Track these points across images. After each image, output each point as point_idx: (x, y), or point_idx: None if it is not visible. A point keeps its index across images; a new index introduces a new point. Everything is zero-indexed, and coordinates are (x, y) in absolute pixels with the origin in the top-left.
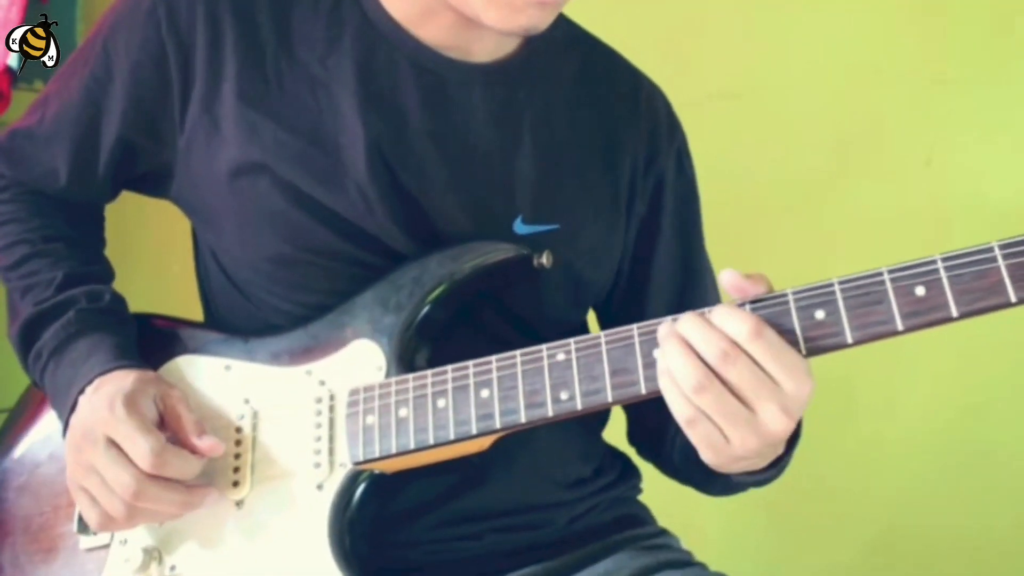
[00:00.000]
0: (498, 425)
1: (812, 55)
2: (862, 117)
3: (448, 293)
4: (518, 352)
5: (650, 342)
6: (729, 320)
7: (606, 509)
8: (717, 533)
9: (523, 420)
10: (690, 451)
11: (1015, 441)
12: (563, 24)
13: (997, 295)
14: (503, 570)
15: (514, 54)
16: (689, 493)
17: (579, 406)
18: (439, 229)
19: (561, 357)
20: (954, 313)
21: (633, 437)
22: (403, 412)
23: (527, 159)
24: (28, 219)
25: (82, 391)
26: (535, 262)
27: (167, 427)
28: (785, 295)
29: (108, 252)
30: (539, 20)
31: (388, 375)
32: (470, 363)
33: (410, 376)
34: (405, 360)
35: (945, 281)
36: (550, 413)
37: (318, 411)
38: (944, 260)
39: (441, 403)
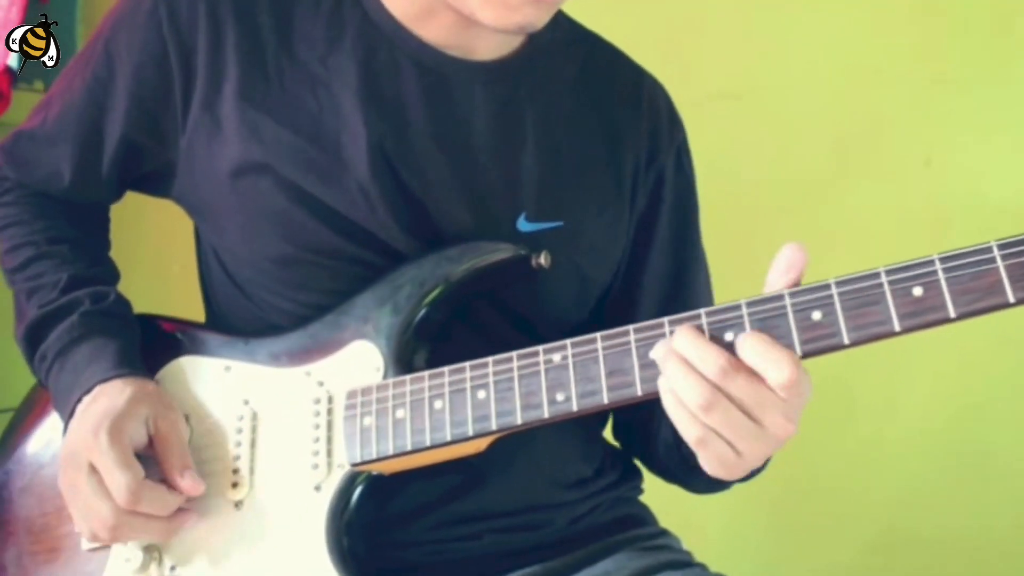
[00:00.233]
0: (494, 426)
1: (812, 55)
2: (862, 117)
3: (445, 295)
4: (515, 354)
5: (646, 344)
6: (771, 360)
7: (607, 509)
8: (717, 533)
9: (519, 422)
10: (672, 448)
11: (1015, 441)
12: (565, 23)
13: (995, 295)
14: (503, 570)
15: (516, 52)
16: (690, 494)
17: (575, 407)
18: (441, 228)
19: (557, 359)
20: (952, 314)
21: (618, 432)
22: (400, 413)
23: (530, 157)
24: (33, 221)
25: (80, 399)
26: (533, 262)
27: (154, 453)
28: (781, 296)
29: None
30: (535, 18)
31: (386, 376)
32: (467, 365)
33: (407, 378)
34: (403, 361)
35: (943, 281)
36: (546, 414)
37: (316, 412)
38: (942, 260)
39: (438, 404)
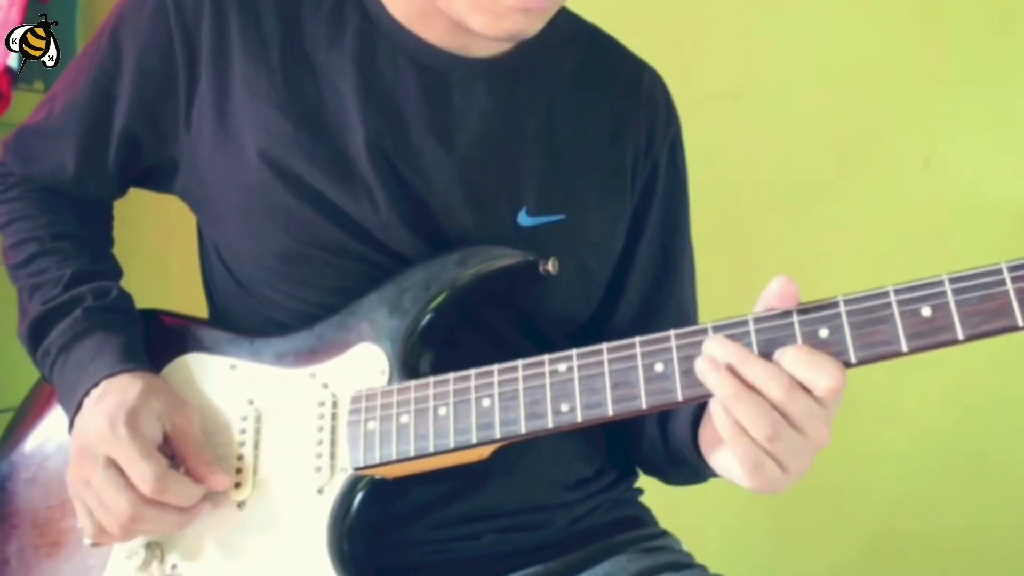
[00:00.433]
0: (498, 435)
1: (812, 55)
2: (861, 117)
3: (450, 300)
4: (520, 363)
5: (652, 355)
6: (811, 370)
7: (607, 510)
8: (718, 534)
9: (523, 431)
10: (658, 443)
11: (1015, 442)
12: (565, 16)
13: (1004, 318)
14: (503, 571)
15: (516, 48)
16: (690, 494)
17: (579, 419)
18: (442, 224)
19: (563, 369)
20: (960, 336)
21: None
22: (404, 419)
23: (531, 151)
24: (37, 216)
25: (87, 393)
26: (541, 268)
27: (172, 448)
28: (789, 313)
29: None
30: (525, 26)
31: (391, 380)
32: (472, 372)
33: (412, 383)
34: (408, 365)
35: (952, 303)
36: (550, 425)
37: (320, 415)
38: (951, 281)
39: (442, 411)
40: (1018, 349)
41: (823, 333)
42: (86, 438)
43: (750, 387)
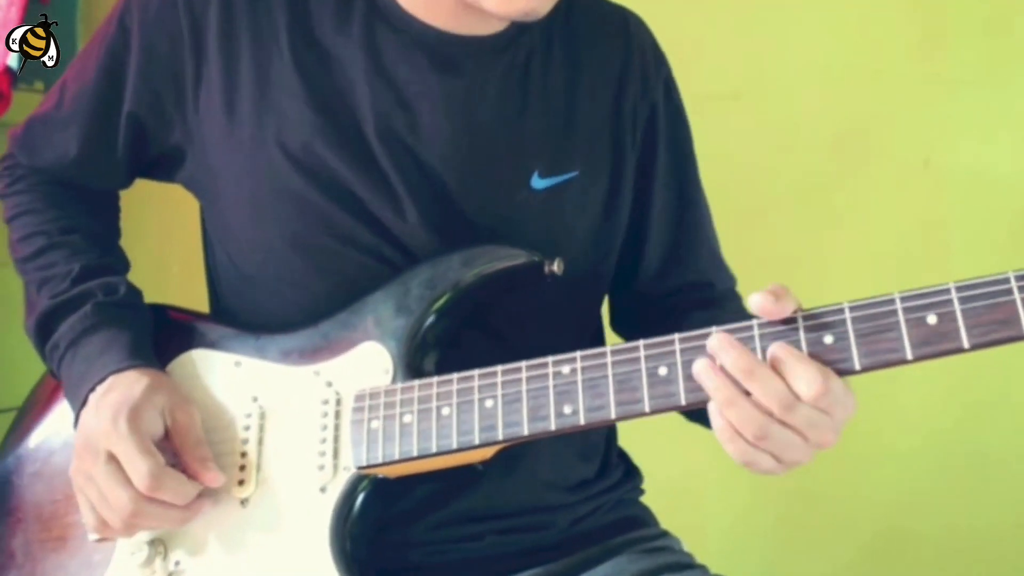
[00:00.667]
0: (501, 436)
1: (811, 55)
2: (861, 118)
3: (453, 302)
4: (524, 364)
5: (655, 358)
6: (796, 376)
7: (608, 511)
8: (718, 535)
9: (526, 432)
10: None
11: (1015, 441)
12: None
13: (1011, 328)
14: (504, 572)
15: (512, 23)
16: (691, 495)
17: (582, 421)
18: (459, 203)
19: (566, 371)
20: (966, 345)
21: (618, 323)
22: (408, 419)
23: (536, 116)
24: (45, 210)
25: (93, 388)
26: (546, 269)
27: (172, 443)
28: (795, 319)
29: None
30: (538, 4)
31: (395, 379)
32: (476, 373)
33: (416, 383)
34: (413, 364)
35: (958, 312)
36: (553, 427)
37: (324, 413)
38: (958, 289)
39: (445, 411)
40: (1018, 349)
41: (828, 339)
42: (89, 432)
43: (748, 394)
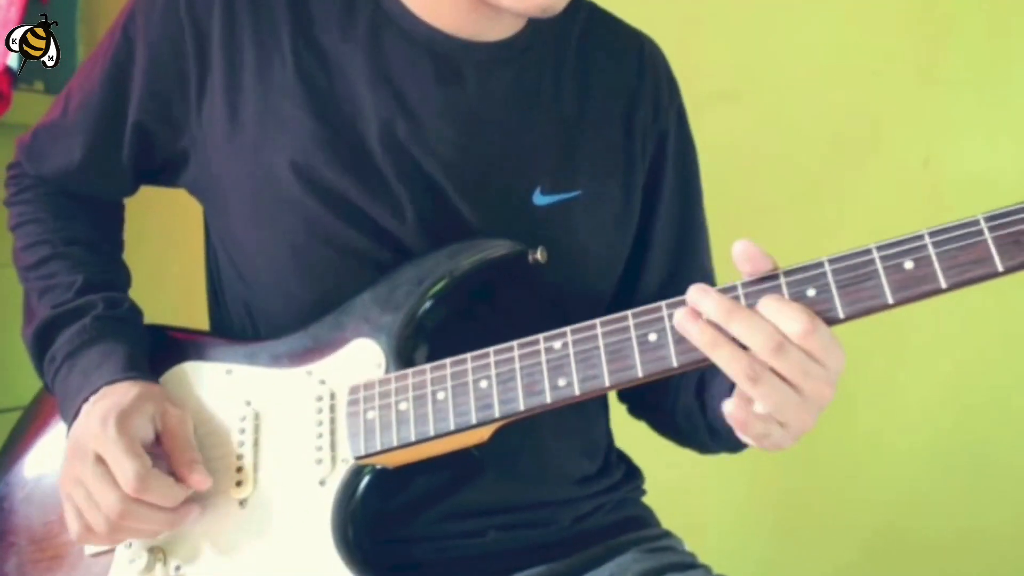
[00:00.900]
0: (497, 414)
1: (811, 55)
2: (860, 117)
3: (449, 288)
4: (515, 343)
5: (645, 325)
6: (782, 316)
7: (610, 510)
8: (720, 535)
9: (522, 408)
10: (695, 414)
11: (1015, 441)
12: None
13: (985, 265)
14: (507, 570)
15: (524, 29)
16: (692, 495)
17: (577, 391)
18: (461, 212)
19: (558, 346)
20: (943, 284)
21: (633, 407)
22: (403, 406)
23: (542, 131)
24: (50, 220)
25: (87, 399)
26: (530, 258)
27: (163, 448)
28: (776, 275)
29: None
30: (554, 0)
31: (387, 372)
32: (468, 356)
33: (409, 371)
34: (404, 357)
35: (933, 255)
36: (548, 400)
37: (319, 409)
38: (931, 235)
39: (440, 395)
40: (1018, 349)
41: (811, 292)
42: (79, 436)
43: (733, 340)
